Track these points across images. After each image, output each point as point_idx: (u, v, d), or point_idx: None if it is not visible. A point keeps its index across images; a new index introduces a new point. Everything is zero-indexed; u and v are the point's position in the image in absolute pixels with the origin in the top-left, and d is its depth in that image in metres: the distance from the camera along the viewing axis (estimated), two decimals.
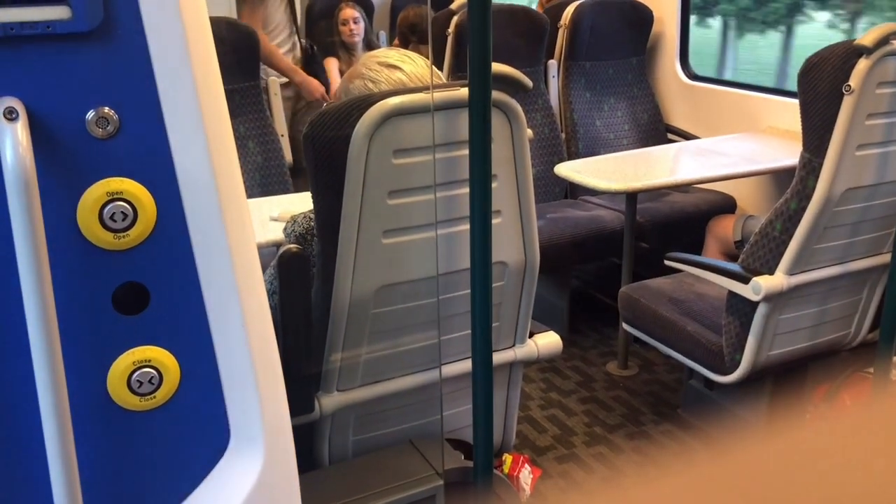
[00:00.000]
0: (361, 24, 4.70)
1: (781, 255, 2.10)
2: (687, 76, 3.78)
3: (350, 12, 4.65)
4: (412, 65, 1.56)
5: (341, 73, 4.68)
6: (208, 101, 0.88)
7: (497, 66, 1.35)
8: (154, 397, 0.92)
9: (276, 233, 2.11)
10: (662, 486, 0.28)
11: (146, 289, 0.90)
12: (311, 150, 1.39)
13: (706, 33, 6.61)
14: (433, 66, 1.58)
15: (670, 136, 3.79)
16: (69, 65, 0.83)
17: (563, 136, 3.64)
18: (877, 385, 2.08)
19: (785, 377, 2.45)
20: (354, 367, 1.51)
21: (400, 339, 1.53)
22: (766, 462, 0.27)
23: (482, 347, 1.44)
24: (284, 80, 3.76)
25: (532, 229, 1.55)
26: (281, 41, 3.81)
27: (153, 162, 0.87)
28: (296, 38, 3.98)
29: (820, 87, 1.99)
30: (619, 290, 2.68)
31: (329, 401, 1.50)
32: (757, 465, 0.27)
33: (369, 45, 4.77)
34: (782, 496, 0.26)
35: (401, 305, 1.48)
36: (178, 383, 0.93)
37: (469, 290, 1.42)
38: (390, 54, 1.59)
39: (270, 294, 1.51)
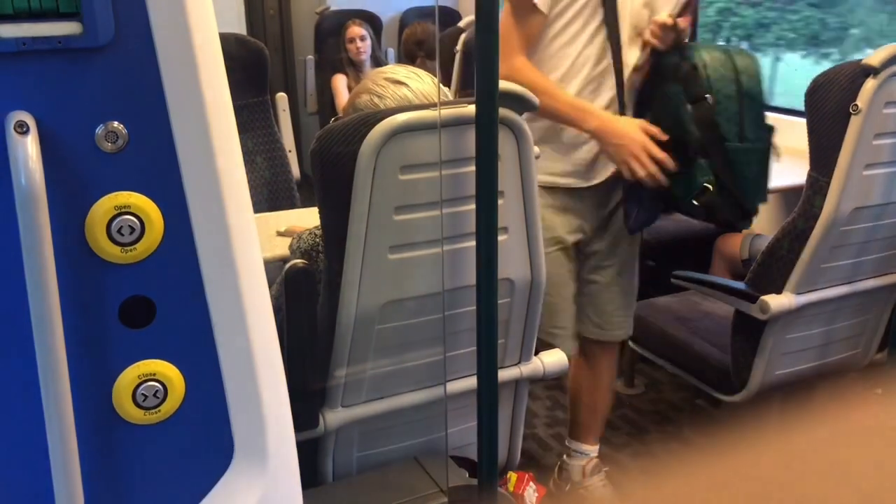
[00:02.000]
0: (368, 42, 4.74)
1: (789, 274, 2.09)
2: None
3: (356, 30, 4.69)
4: (419, 82, 1.56)
5: (349, 89, 4.71)
6: (217, 116, 0.89)
7: (504, 84, 1.36)
8: (158, 411, 0.92)
9: (282, 248, 2.11)
10: (666, 490, 0.28)
11: (153, 302, 0.90)
12: (318, 166, 1.40)
13: None
14: (440, 84, 1.59)
15: None
16: (80, 79, 0.84)
17: None
18: (885, 406, 2.06)
19: (792, 397, 2.43)
20: (359, 383, 1.50)
21: (405, 355, 1.52)
22: (749, 472, 0.27)
23: (487, 364, 1.44)
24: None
25: (538, 246, 1.55)
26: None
27: (161, 176, 0.88)
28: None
29: (827, 107, 1.99)
30: None
31: (333, 416, 1.50)
32: (740, 474, 0.27)
33: (377, 62, 4.81)
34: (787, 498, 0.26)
35: (406, 321, 1.48)
36: (183, 397, 0.93)
37: (475, 307, 1.42)
38: (398, 70, 1.60)
39: (276, 309, 1.51)
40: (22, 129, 0.80)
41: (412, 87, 1.55)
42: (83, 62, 0.84)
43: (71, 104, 0.84)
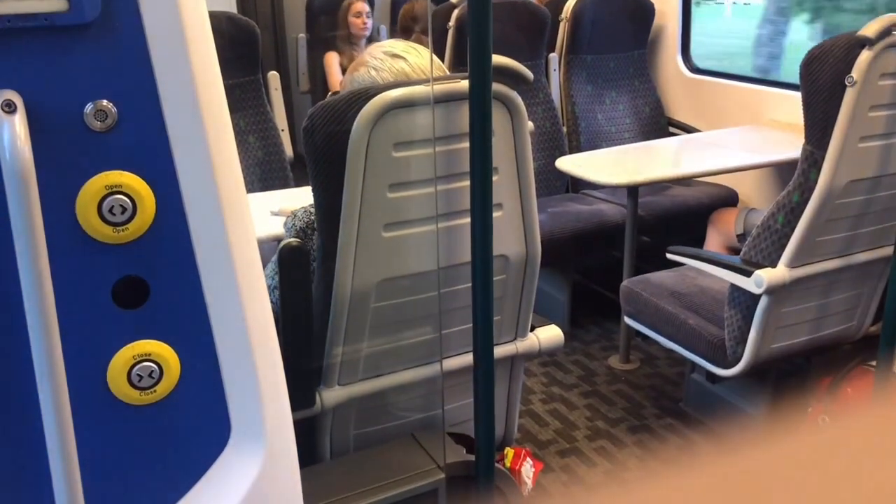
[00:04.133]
0: (371, 19, 4.75)
1: (783, 247, 2.09)
2: (688, 69, 3.77)
3: (363, 6, 4.69)
4: (417, 56, 1.56)
5: (341, 67, 4.68)
6: (207, 94, 0.88)
7: (498, 59, 1.35)
8: (154, 391, 0.92)
9: (276, 227, 2.11)
10: (666, 484, 0.27)
11: (146, 282, 0.90)
12: (311, 144, 1.39)
13: None
14: (436, 57, 1.57)
15: (672, 129, 3.79)
16: (67, 57, 0.83)
17: (565, 129, 3.63)
18: (879, 378, 2.07)
19: (787, 370, 2.45)
20: (355, 361, 1.50)
21: (401, 332, 1.52)
22: (770, 460, 0.27)
23: (483, 341, 1.44)
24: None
25: (533, 222, 1.54)
26: None
27: (152, 155, 0.87)
28: None
29: (822, 79, 1.98)
30: (621, 284, 2.68)
31: (330, 395, 1.50)
32: (762, 463, 0.27)
33: (371, 39, 4.78)
34: (788, 495, 0.26)
35: (402, 299, 1.48)
36: (179, 377, 0.93)
37: (470, 284, 1.42)
38: (396, 45, 1.59)
39: (271, 289, 1.50)
40: (9, 108, 0.79)
41: (410, 61, 1.54)
42: (70, 39, 0.82)
43: (58, 82, 0.83)
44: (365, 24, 4.67)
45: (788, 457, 0.27)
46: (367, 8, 4.68)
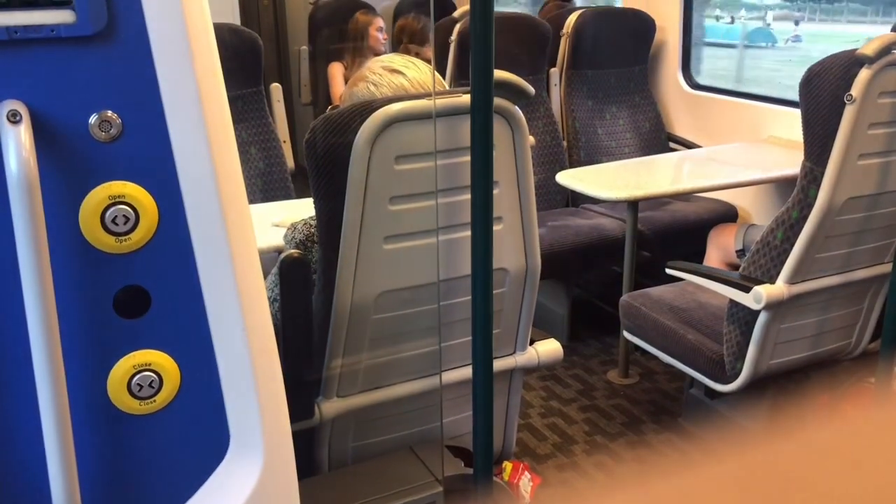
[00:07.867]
0: None
1: (783, 264, 2.10)
2: (689, 85, 3.79)
3: (381, 21, 4.78)
4: (416, 70, 1.57)
5: (347, 78, 4.72)
6: (211, 105, 0.88)
7: (499, 73, 1.36)
8: (154, 401, 0.92)
9: (277, 239, 2.11)
10: (661, 489, 0.28)
11: (147, 292, 0.90)
12: (313, 156, 1.39)
13: None
14: (435, 71, 1.59)
15: (672, 144, 3.80)
16: (73, 68, 0.83)
17: (565, 144, 3.64)
18: (878, 395, 2.07)
19: (786, 387, 2.44)
20: (355, 373, 1.50)
21: (400, 345, 1.52)
22: (766, 467, 0.27)
23: (483, 354, 1.44)
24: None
25: (533, 236, 1.55)
26: None
27: (155, 166, 0.88)
28: None
29: (821, 97, 1.99)
30: (620, 299, 2.68)
31: (329, 406, 1.50)
32: (758, 469, 0.27)
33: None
34: (785, 497, 0.26)
35: (402, 311, 1.48)
36: (179, 387, 0.93)
37: (470, 297, 1.42)
38: (395, 59, 1.60)
39: (272, 300, 1.51)
40: (15, 118, 0.80)
41: (408, 75, 1.55)
42: (76, 51, 0.83)
43: (64, 93, 0.83)
44: (386, 38, 4.77)
45: (786, 460, 0.28)
46: (382, 22, 4.77)
